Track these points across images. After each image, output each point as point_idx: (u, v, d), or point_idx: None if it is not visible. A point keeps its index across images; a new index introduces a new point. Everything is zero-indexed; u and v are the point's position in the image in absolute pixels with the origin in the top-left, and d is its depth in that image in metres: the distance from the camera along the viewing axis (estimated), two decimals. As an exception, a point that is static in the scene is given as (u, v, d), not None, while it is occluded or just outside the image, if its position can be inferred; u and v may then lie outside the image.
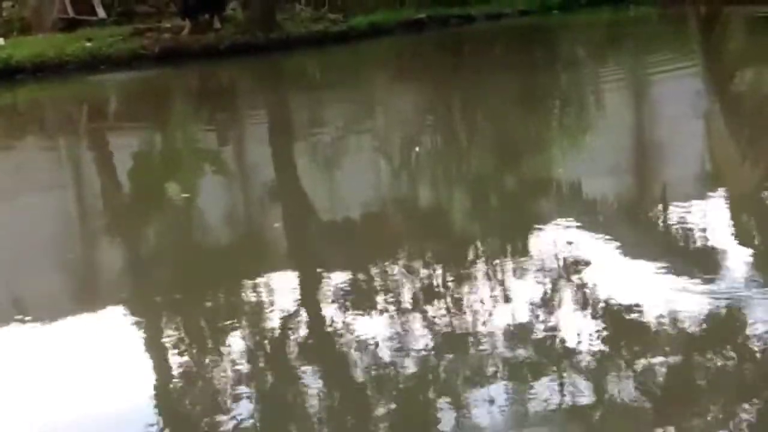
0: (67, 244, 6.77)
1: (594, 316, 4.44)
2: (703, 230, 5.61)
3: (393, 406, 3.81)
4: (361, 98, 12.75)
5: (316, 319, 4.83)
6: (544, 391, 3.72)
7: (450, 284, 5.09)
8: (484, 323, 4.47)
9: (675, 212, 6.01)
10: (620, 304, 4.52)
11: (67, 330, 4.95)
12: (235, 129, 11.22)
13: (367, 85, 13.86)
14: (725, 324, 4.27)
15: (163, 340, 4.73)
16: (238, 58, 15.71)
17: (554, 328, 4.31)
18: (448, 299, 4.85)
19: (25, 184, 8.47)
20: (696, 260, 5.07)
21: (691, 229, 5.68)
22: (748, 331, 4.13)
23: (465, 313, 4.65)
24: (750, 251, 5.30)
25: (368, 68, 15.65)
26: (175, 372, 4.30)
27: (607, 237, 5.64)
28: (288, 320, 4.80)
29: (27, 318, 5.05)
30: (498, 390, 3.79)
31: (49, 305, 5.27)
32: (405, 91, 12.92)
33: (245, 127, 11.31)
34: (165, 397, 4.11)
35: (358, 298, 4.93)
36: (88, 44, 16.06)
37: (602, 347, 4.10)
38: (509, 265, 5.31)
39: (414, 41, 17.38)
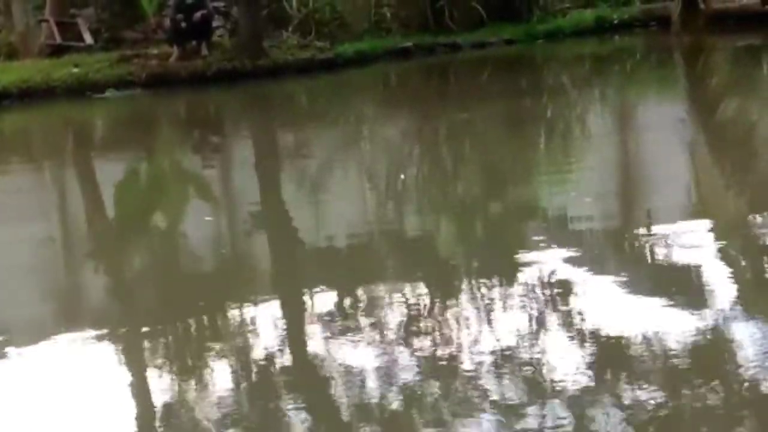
0: (51, 272, 6.76)
1: (580, 347, 4.45)
2: (689, 260, 5.63)
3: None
4: (347, 125, 12.79)
5: (302, 347, 4.83)
6: (528, 423, 3.72)
7: (435, 313, 5.09)
8: (468, 353, 4.47)
9: (659, 242, 6.03)
10: (606, 334, 4.54)
11: (52, 359, 4.93)
12: (221, 156, 11.24)
13: (354, 112, 13.90)
14: (712, 355, 4.28)
15: (150, 370, 4.73)
16: (225, 84, 15.77)
17: (538, 360, 4.31)
18: (433, 328, 4.86)
19: (12, 211, 8.45)
20: (681, 289, 5.09)
21: (676, 260, 5.70)
22: (735, 363, 4.14)
23: (450, 342, 4.65)
24: (737, 281, 5.31)
25: (354, 95, 15.70)
26: (161, 402, 4.29)
27: (593, 267, 5.65)
28: (274, 349, 4.80)
29: (11, 346, 5.04)
30: (483, 420, 3.79)
31: (33, 333, 5.25)
32: (391, 118, 12.97)
33: (231, 154, 11.33)
34: (150, 427, 4.10)
35: (343, 326, 4.93)
36: (75, 70, 16.07)
37: (588, 378, 4.10)
38: (494, 294, 5.32)
39: (400, 69, 17.47)
